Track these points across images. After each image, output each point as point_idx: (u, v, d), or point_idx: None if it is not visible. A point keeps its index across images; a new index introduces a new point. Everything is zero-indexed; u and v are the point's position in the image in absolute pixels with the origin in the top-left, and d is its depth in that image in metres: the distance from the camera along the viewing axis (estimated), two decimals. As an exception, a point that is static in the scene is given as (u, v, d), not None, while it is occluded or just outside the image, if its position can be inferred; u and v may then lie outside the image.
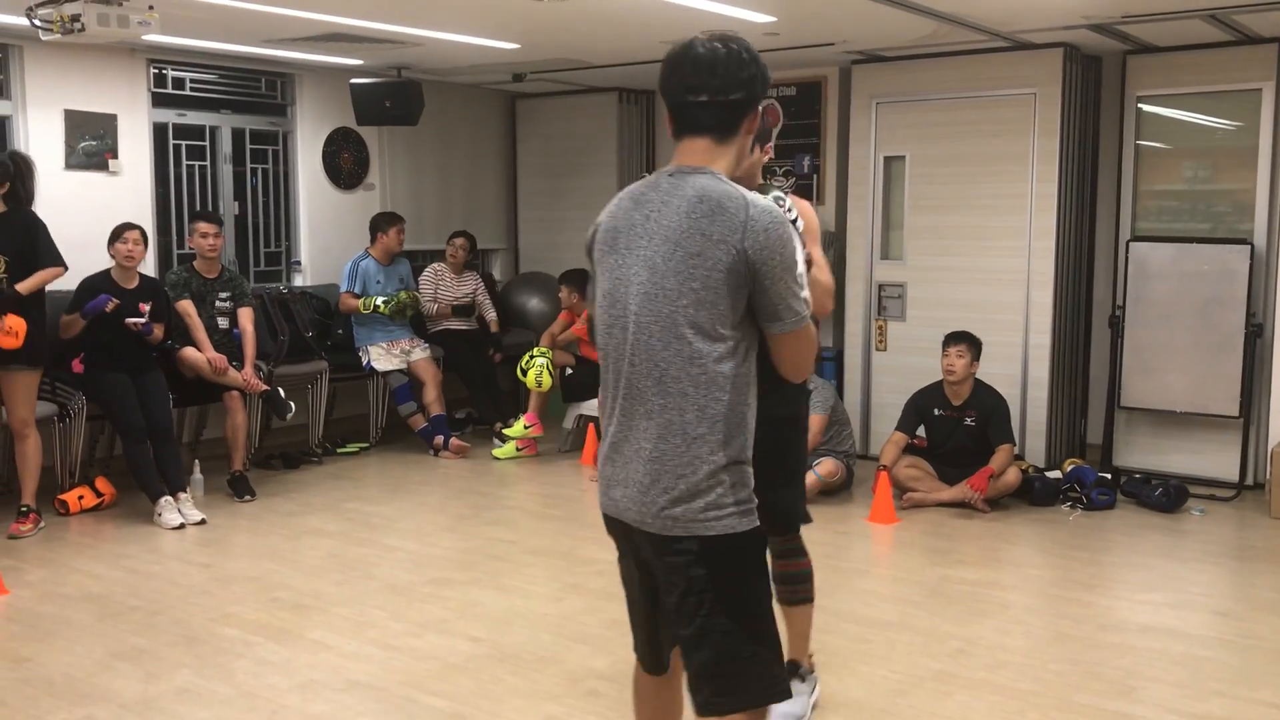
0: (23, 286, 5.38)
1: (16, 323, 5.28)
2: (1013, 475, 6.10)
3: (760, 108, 2.33)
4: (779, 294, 2.20)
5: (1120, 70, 6.65)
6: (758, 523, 2.28)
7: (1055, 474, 6.44)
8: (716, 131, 2.28)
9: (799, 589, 3.53)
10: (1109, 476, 6.41)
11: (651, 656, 2.53)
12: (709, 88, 2.26)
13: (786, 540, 3.46)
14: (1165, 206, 6.69)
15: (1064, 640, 4.26)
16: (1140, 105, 6.60)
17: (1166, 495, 6.09)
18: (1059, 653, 4.13)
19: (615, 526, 2.39)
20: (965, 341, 6.14)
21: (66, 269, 5.59)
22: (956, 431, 6.19)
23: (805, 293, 2.28)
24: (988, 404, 6.16)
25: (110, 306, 5.81)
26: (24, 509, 5.57)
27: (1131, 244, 6.55)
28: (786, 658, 3.27)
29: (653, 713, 2.60)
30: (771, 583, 2.91)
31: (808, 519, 3.51)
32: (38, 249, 5.46)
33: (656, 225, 2.25)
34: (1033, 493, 6.19)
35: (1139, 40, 6.36)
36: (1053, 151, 6.59)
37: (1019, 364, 6.77)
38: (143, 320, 5.91)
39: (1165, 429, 6.59)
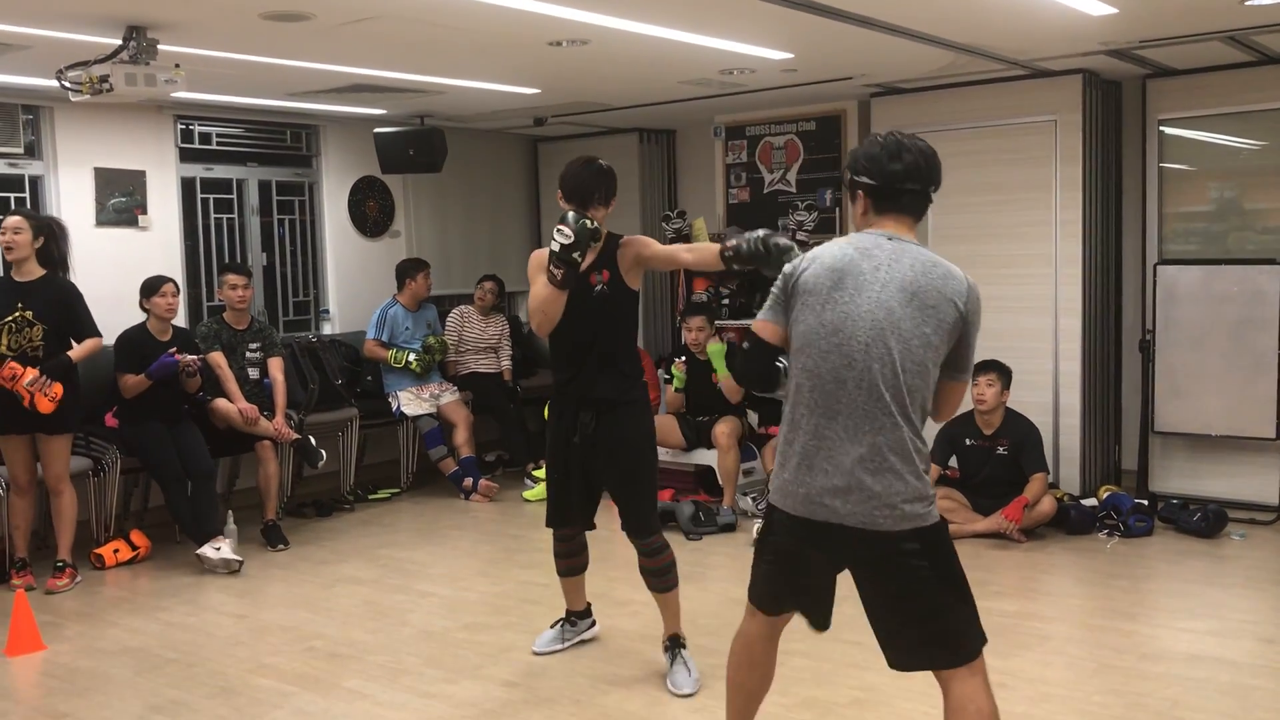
0: (76, 355, 5.48)
1: (58, 390, 5.35)
2: (1048, 504, 6.04)
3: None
4: (971, 350, 2.83)
5: (1141, 94, 6.64)
6: None
7: (1091, 502, 6.37)
8: (917, 214, 2.90)
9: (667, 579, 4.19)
10: (1146, 503, 6.34)
11: (821, 619, 3.07)
12: (926, 181, 2.88)
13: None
14: (1192, 229, 6.64)
15: (1107, 671, 4.20)
16: (1162, 128, 6.58)
17: (1205, 520, 6.01)
18: (1102, 684, 4.07)
19: (815, 530, 2.79)
20: (995, 370, 6.11)
21: (103, 340, 5.68)
22: (989, 461, 6.14)
23: None
24: (1020, 433, 6.11)
25: (185, 364, 5.92)
26: (60, 564, 5.61)
27: (1159, 267, 6.51)
28: (669, 633, 4.17)
29: (763, 675, 3.13)
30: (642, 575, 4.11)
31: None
32: (79, 319, 5.55)
33: (889, 275, 2.75)
34: (1069, 521, 6.12)
35: (1158, 64, 6.35)
36: (1076, 178, 6.57)
37: (1050, 392, 6.72)
38: (195, 357, 6.01)
39: (1201, 453, 6.51)
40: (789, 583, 3.00)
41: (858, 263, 2.78)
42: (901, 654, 2.89)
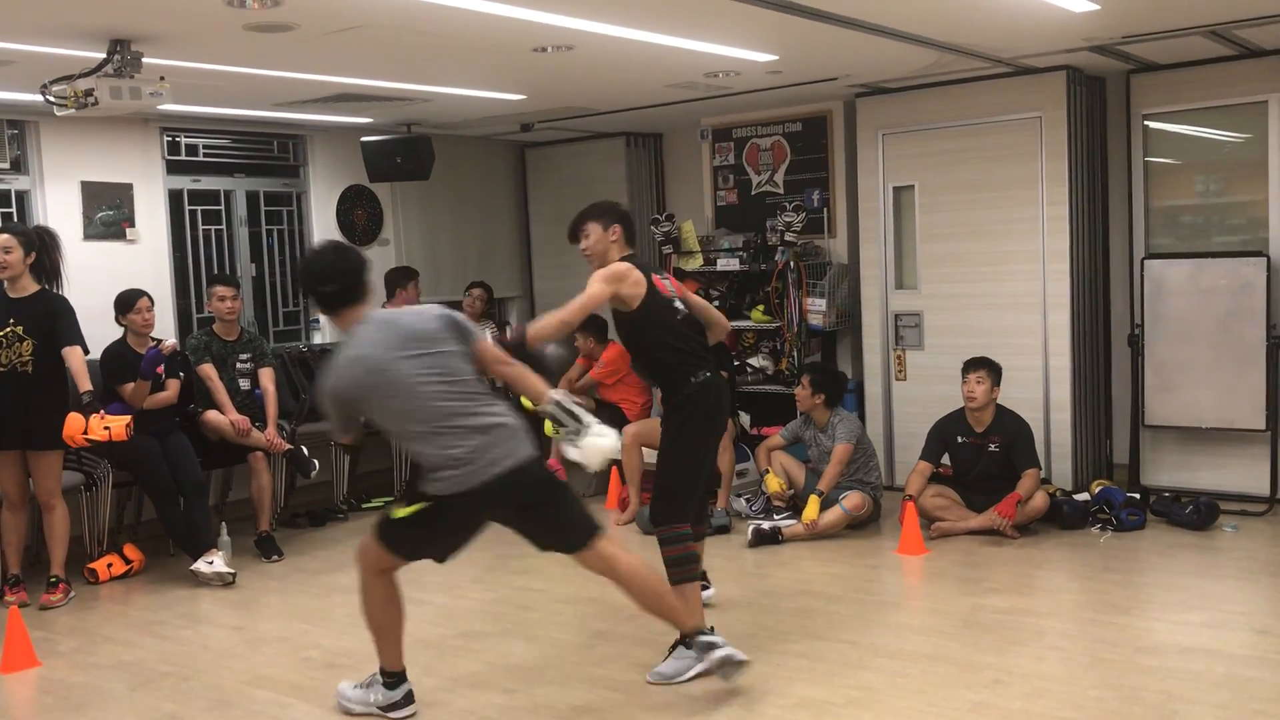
0: (84, 387, 5.37)
1: (113, 421, 5.35)
2: (1040, 499, 6.06)
3: None
4: None
5: (1124, 89, 6.67)
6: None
7: (1083, 496, 6.39)
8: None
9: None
10: (1138, 496, 6.36)
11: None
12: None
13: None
14: (1178, 222, 6.67)
15: (1102, 665, 4.21)
16: (1147, 123, 6.61)
17: (1197, 513, 6.04)
18: (1098, 678, 4.08)
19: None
20: (985, 367, 6.13)
21: (86, 349, 5.61)
22: (981, 458, 6.16)
23: None
24: (1011, 429, 6.13)
25: (167, 349, 5.94)
26: (53, 579, 5.59)
27: (1146, 261, 6.53)
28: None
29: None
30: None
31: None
32: (62, 330, 5.46)
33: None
34: (1061, 516, 6.14)
35: (1141, 59, 6.38)
36: (1061, 173, 6.59)
37: (1040, 387, 6.74)
38: (173, 341, 6.09)
39: (1192, 446, 6.54)
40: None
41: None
42: None
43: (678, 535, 4.27)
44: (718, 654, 4.00)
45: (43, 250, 5.52)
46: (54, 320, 5.48)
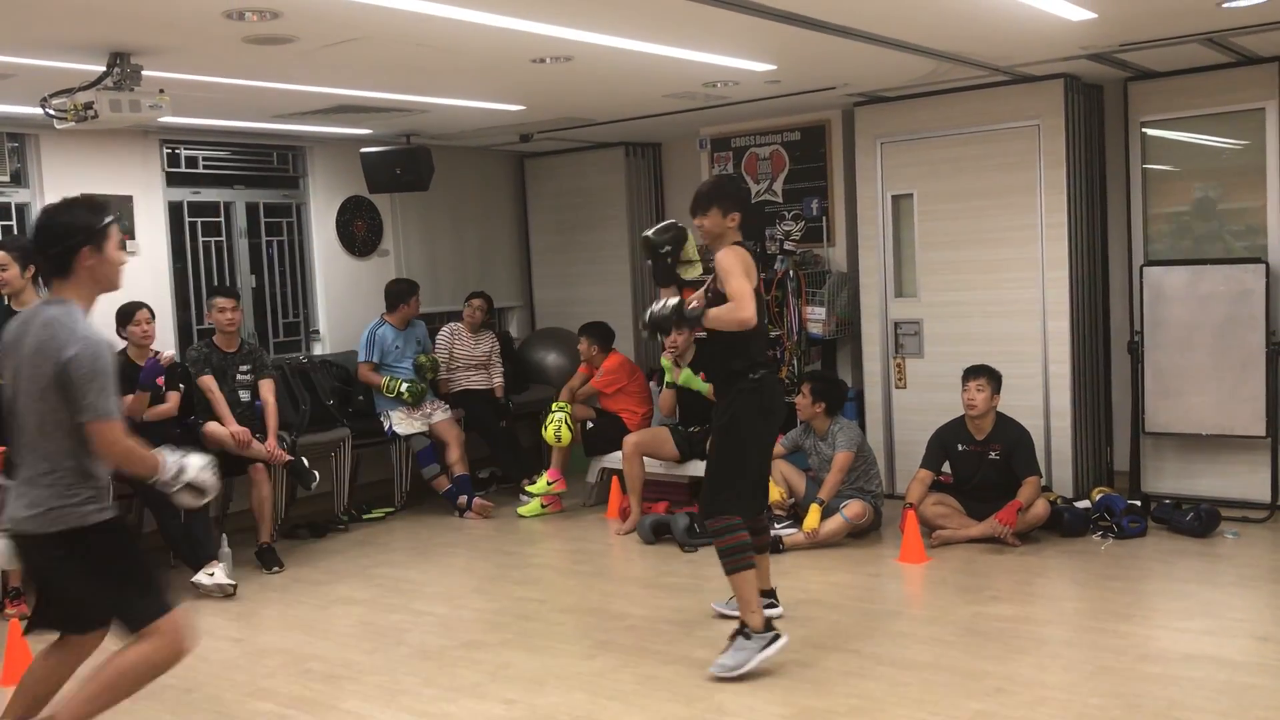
0: None
1: None
2: (1041, 507, 6.05)
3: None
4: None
5: (1122, 97, 6.68)
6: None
7: (1084, 504, 6.39)
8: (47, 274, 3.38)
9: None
10: (1138, 503, 6.35)
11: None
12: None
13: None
14: (1177, 229, 6.68)
15: (1104, 673, 4.21)
16: (1144, 130, 6.62)
17: (1198, 519, 6.03)
18: (1100, 686, 4.07)
19: None
20: (985, 375, 6.13)
21: None
22: (982, 466, 6.16)
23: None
24: (1011, 436, 6.13)
25: (165, 360, 5.95)
26: (14, 591, 5.47)
27: (1145, 268, 6.54)
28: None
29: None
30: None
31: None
32: None
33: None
34: (1062, 524, 6.14)
35: (1139, 67, 6.39)
36: (1060, 181, 6.60)
37: (1040, 395, 6.74)
38: (171, 353, 6.17)
39: (1192, 453, 6.54)
40: None
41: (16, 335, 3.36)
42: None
43: (729, 526, 4.35)
44: (777, 644, 4.31)
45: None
46: None
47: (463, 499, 7.41)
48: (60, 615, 3.48)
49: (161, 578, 3.42)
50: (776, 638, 4.32)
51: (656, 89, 6.38)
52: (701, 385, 6.68)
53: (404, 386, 7.40)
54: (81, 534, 3.25)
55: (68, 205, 3.35)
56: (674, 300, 4.43)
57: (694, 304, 4.45)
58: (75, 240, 3.24)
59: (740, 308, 4.25)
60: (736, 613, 4.48)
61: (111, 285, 3.40)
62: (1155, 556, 5.78)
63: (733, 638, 4.34)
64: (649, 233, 4.67)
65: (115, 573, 3.34)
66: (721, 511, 4.38)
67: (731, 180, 4.66)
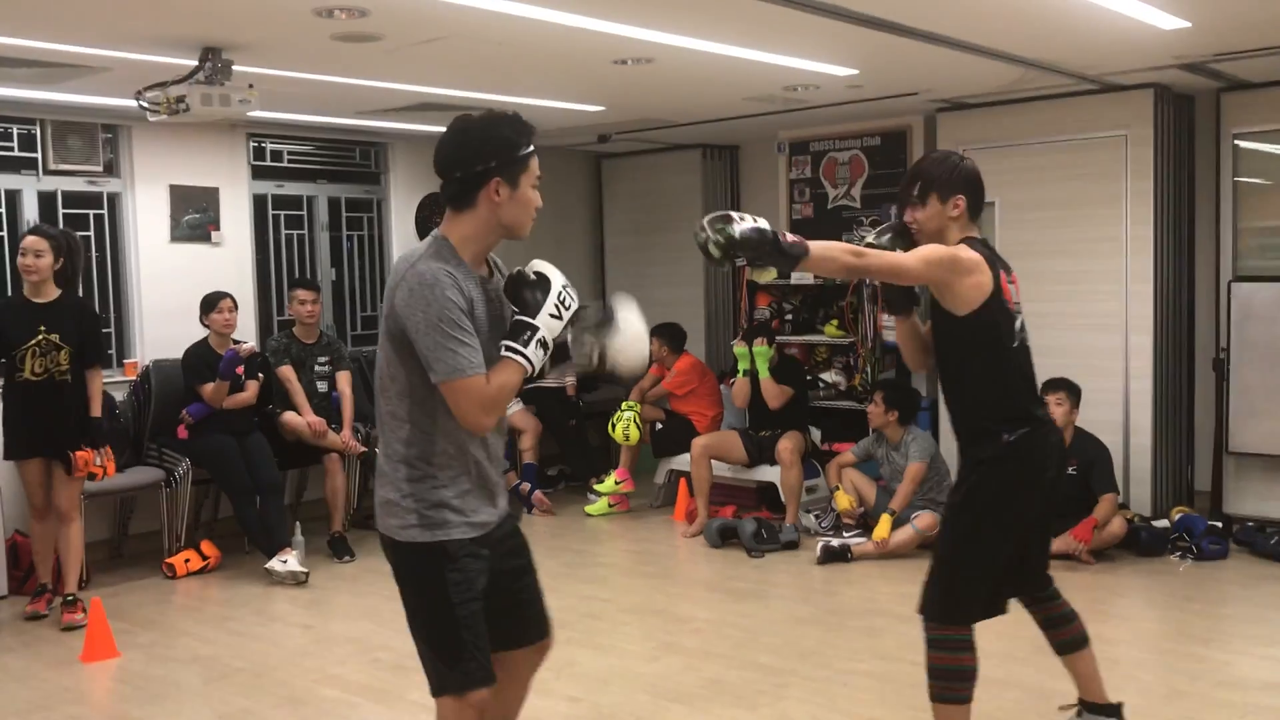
0: (96, 410, 5.33)
1: (110, 450, 5.39)
2: (1118, 525, 5.93)
3: None
4: (419, 344, 2.50)
5: (1215, 108, 6.52)
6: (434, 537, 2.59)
7: (1162, 523, 6.24)
8: (450, 204, 2.65)
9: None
10: (1220, 525, 6.20)
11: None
12: (439, 168, 2.64)
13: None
14: (1269, 244, 6.50)
15: (1179, 698, 4.11)
16: (1237, 142, 6.45)
17: (1283, 544, 5.87)
18: (1174, 711, 3.98)
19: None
20: (1064, 389, 6.02)
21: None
22: (1057, 481, 6.04)
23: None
24: (1089, 452, 6.01)
25: (245, 351, 6.07)
26: (70, 598, 5.32)
27: (1234, 284, 6.37)
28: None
29: None
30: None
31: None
32: (98, 344, 5.46)
33: None
34: (1139, 543, 6.00)
35: (1233, 77, 6.23)
36: (1147, 193, 6.46)
37: (1120, 410, 6.60)
38: (250, 344, 6.25)
39: (1277, 474, 6.36)
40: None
41: None
42: None
43: (953, 640, 3.29)
44: None
45: (69, 256, 5.31)
46: (91, 331, 5.36)
47: (525, 486, 7.43)
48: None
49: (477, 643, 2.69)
50: None
51: (736, 92, 6.36)
52: (764, 369, 6.66)
53: None
54: (394, 549, 2.67)
55: (487, 120, 2.63)
56: (766, 225, 2.93)
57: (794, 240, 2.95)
58: (486, 166, 2.57)
59: (861, 252, 3.06)
60: None
61: (518, 232, 2.66)
62: (1236, 580, 5.63)
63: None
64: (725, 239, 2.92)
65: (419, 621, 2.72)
66: (947, 619, 3.29)
67: (947, 155, 3.41)
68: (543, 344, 2.58)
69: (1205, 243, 6.79)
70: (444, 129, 2.68)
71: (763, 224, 2.90)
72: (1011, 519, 3.26)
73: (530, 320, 2.58)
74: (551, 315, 2.61)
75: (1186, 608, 5.23)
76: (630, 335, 2.82)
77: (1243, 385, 6.34)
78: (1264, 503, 6.39)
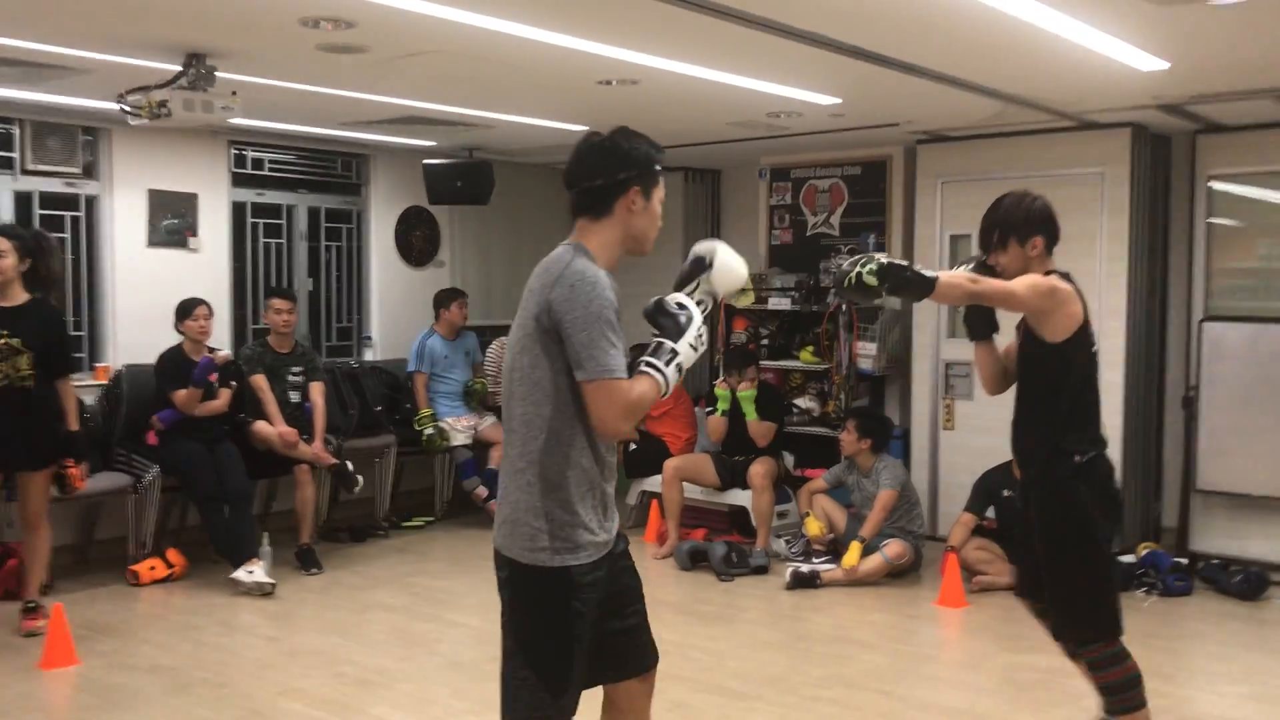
0: (74, 424, 5.21)
1: (73, 474, 5.22)
2: (1085, 559, 5.96)
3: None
4: (575, 342, 2.50)
5: (1190, 149, 6.60)
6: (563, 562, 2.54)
7: (1129, 558, 6.28)
8: (585, 213, 2.76)
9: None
10: (1185, 562, 6.24)
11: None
12: (572, 178, 2.76)
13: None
14: (1240, 285, 6.58)
15: (1141, 733, 4.12)
16: (1211, 184, 6.54)
17: (1246, 582, 5.92)
18: (1136, 746, 3.99)
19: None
20: (1035, 422, 6.05)
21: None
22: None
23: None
24: (1058, 486, 6.04)
25: (220, 359, 6.05)
26: (30, 605, 5.22)
27: (1205, 324, 6.44)
28: None
29: None
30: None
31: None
32: (65, 352, 5.27)
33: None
34: (1106, 577, 6.03)
35: (1209, 119, 6.32)
36: (1121, 231, 6.53)
37: (1090, 445, 6.64)
38: (226, 353, 6.27)
39: (1243, 513, 6.41)
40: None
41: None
42: None
43: (1114, 655, 3.51)
44: None
45: (39, 256, 5.15)
46: (56, 337, 5.20)
47: (481, 491, 7.35)
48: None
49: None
50: None
51: (720, 116, 6.40)
52: (751, 411, 6.67)
53: (428, 430, 7.40)
54: (516, 570, 2.62)
55: (625, 133, 2.75)
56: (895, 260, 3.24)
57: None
58: (628, 174, 2.69)
59: (980, 280, 3.36)
60: None
61: (642, 245, 2.79)
62: (1200, 617, 5.67)
63: None
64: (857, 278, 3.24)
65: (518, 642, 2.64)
66: (1103, 637, 3.49)
67: (1020, 199, 3.69)
68: (679, 369, 2.63)
69: (1178, 282, 6.87)
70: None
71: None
72: (1101, 530, 3.51)
73: (673, 345, 2.64)
74: (691, 345, 2.66)
75: (1150, 644, 5.24)
76: (723, 265, 2.93)
77: (1211, 424, 6.40)
78: (1229, 541, 6.44)
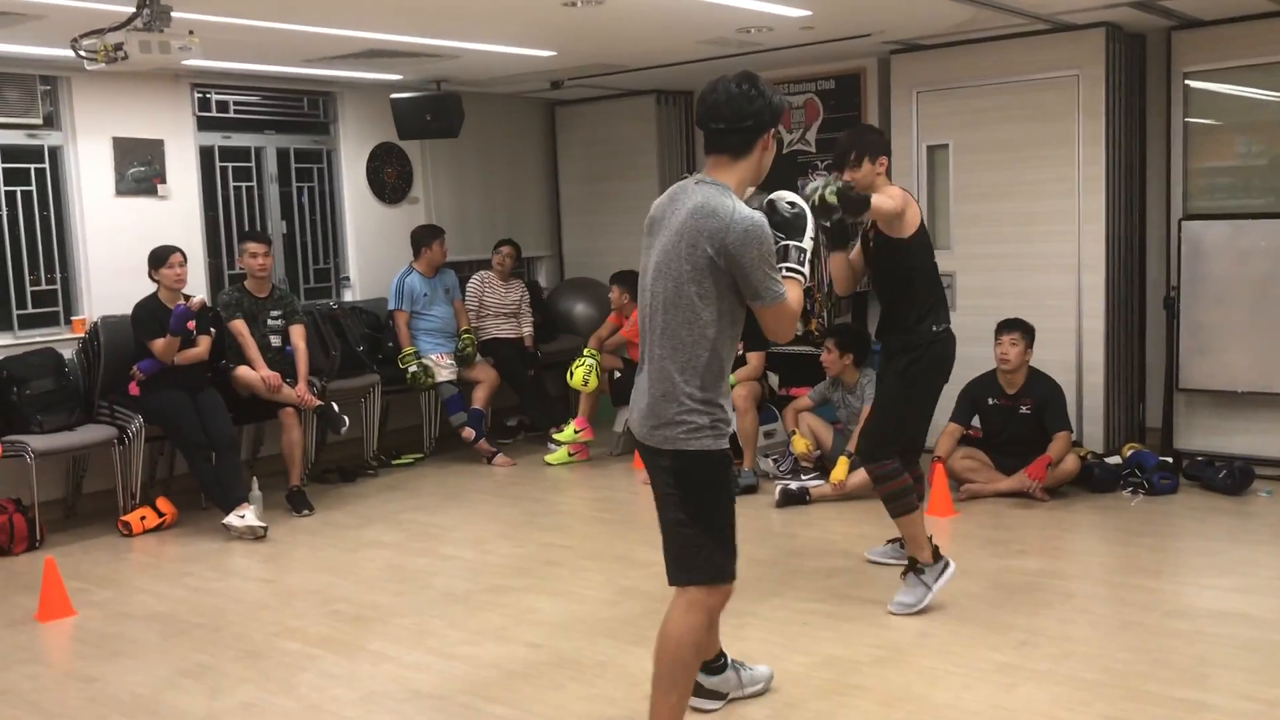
0: None
1: None
2: (1071, 463, 6.01)
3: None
4: (752, 278, 2.93)
5: (1165, 47, 6.53)
6: (720, 445, 3.03)
7: (1115, 460, 6.33)
8: (728, 152, 3.06)
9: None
10: (1170, 460, 6.30)
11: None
12: (718, 118, 3.03)
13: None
14: (1218, 184, 6.55)
15: (1130, 628, 4.19)
16: (1188, 82, 6.48)
17: (1231, 477, 5.98)
18: (1126, 641, 4.06)
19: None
20: (1018, 329, 6.06)
21: None
22: (1012, 420, 6.11)
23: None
24: (1043, 392, 6.08)
25: (195, 305, 5.99)
26: None
27: (1184, 223, 6.43)
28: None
29: None
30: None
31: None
32: None
33: (673, 220, 3.01)
34: (1092, 479, 6.09)
35: (1183, 15, 6.24)
36: (1098, 133, 6.48)
37: (1073, 350, 6.67)
38: (200, 298, 6.18)
39: (1227, 410, 6.46)
40: None
41: (664, 209, 3.09)
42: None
43: (891, 471, 4.43)
44: (949, 572, 4.45)
45: None
46: None
47: (470, 430, 7.40)
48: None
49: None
50: (947, 566, 4.46)
51: (689, 35, 6.30)
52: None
53: (413, 368, 7.41)
54: (680, 458, 3.03)
55: (759, 80, 3.06)
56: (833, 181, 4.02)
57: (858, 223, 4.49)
58: (767, 119, 3.04)
59: (888, 200, 4.30)
60: (889, 560, 4.91)
61: (760, 179, 3.17)
62: (1186, 514, 5.73)
63: (905, 575, 4.46)
64: (817, 197, 3.97)
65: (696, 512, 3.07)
66: (882, 458, 4.45)
67: (870, 129, 4.66)
68: (810, 262, 3.10)
69: (1156, 182, 6.84)
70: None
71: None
72: (933, 388, 4.58)
73: (799, 244, 3.06)
74: (811, 238, 3.09)
75: (1138, 541, 5.32)
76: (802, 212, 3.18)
77: (1193, 323, 6.42)
78: (1213, 438, 6.49)
